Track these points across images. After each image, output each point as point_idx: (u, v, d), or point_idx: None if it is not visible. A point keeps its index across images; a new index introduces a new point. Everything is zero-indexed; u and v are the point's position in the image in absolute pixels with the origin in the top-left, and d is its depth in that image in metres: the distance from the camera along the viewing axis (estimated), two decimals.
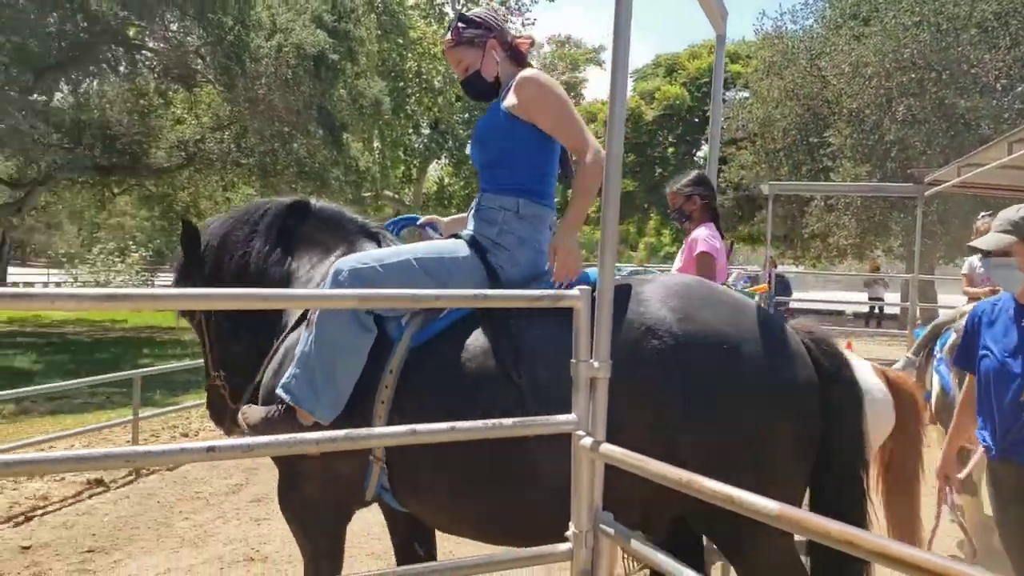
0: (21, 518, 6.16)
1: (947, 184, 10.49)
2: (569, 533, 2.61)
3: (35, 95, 17.06)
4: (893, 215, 15.37)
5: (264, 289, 3.00)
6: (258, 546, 5.85)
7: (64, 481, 7.01)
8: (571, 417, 2.63)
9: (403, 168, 38.74)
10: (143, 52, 19.57)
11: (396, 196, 40.49)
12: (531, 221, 3.38)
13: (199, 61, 18.87)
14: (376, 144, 34.25)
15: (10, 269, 41.56)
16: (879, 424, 3.82)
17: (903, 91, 14.74)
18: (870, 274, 18.93)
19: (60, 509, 6.40)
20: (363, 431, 2.35)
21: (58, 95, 19.57)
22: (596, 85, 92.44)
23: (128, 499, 6.69)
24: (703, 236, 4.61)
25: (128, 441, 8.49)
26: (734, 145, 20.03)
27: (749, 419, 2.78)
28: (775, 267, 18.91)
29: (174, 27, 18.41)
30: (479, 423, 2.52)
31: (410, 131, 36.96)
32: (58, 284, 37.72)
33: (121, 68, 18.50)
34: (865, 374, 4.00)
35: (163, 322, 24.66)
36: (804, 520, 1.82)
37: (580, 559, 2.60)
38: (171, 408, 9.63)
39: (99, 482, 7.04)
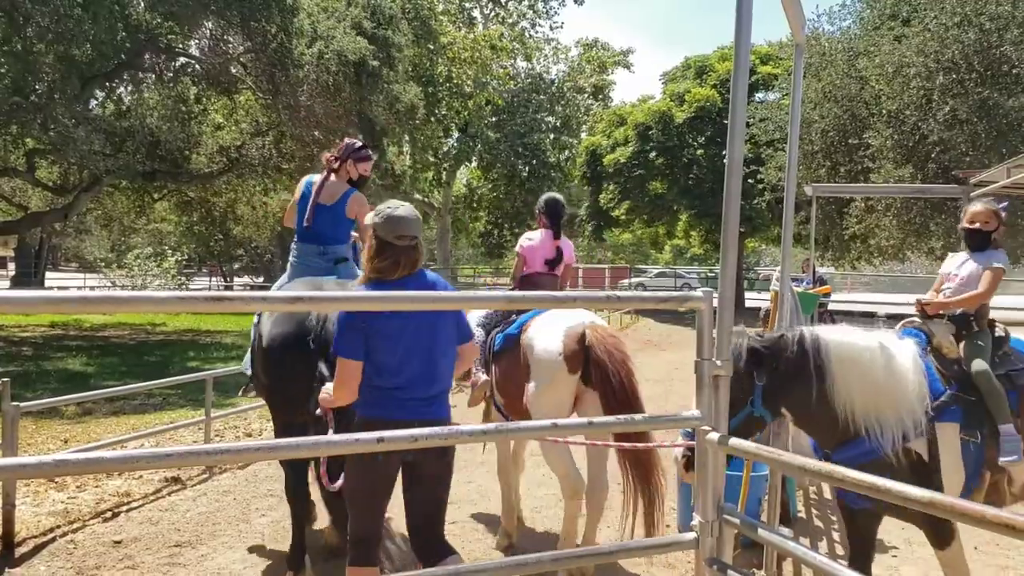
0: (109, 513, 6.38)
1: (995, 185, 10.49)
2: (695, 523, 2.76)
3: (92, 104, 17.41)
4: (934, 216, 15.37)
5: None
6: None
7: (143, 479, 7.24)
8: (695, 413, 2.78)
9: (433, 171, 39.01)
10: (186, 60, 19.91)
11: (426, 199, 40.76)
12: (296, 251, 5.79)
13: (241, 68, 19.16)
14: (406, 148, 34.55)
15: (46, 273, 42.24)
16: (539, 377, 4.93)
17: (945, 92, 14.74)
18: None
19: (143, 505, 6.61)
20: (511, 425, 2.51)
21: (94, 102, 19.92)
22: (624, 87, 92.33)
23: (206, 496, 6.90)
24: (520, 239, 6.17)
25: (196, 441, 8.71)
26: (771, 146, 20.04)
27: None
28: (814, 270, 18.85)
29: (217, 35, 18.71)
30: (611, 418, 2.68)
31: (440, 135, 37.24)
32: (93, 289, 38.32)
33: (165, 76, 18.82)
34: (536, 334, 5.13)
35: (201, 325, 25.03)
36: (956, 506, 1.95)
37: (706, 548, 2.75)
38: (233, 411, 9.85)
39: (176, 480, 7.26)
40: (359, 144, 5.83)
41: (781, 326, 5.15)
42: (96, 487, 6.98)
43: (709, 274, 55.65)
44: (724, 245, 2.80)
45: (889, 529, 6.34)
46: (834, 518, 6.65)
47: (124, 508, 6.53)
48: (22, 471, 1.97)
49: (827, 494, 7.22)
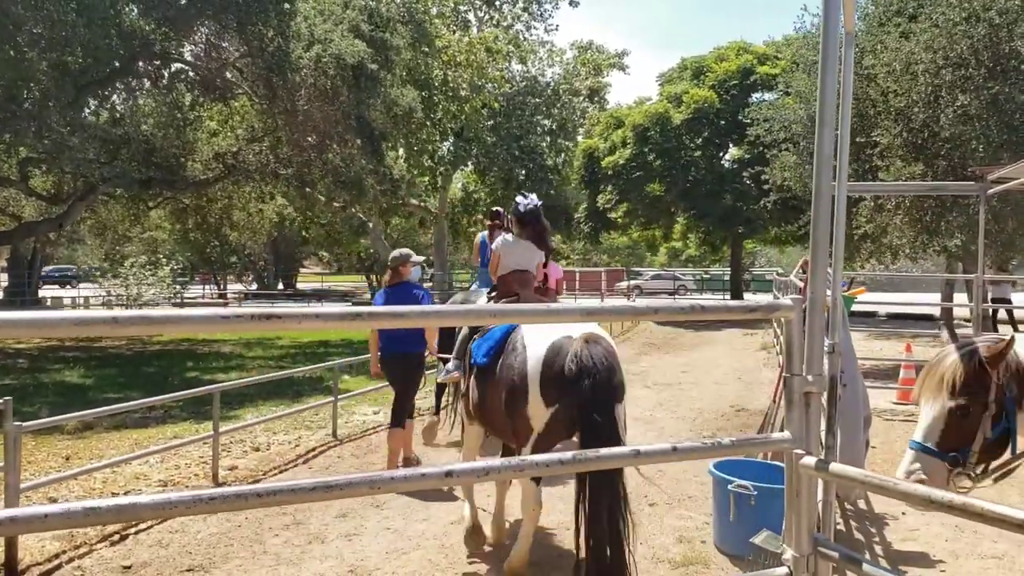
0: (116, 536, 6.08)
1: (1015, 182, 10.26)
2: (787, 557, 2.48)
3: (85, 112, 17.10)
4: (945, 215, 15.13)
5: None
6: (356, 563, 5.74)
7: None
8: (786, 435, 2.50)
9: (429, 176, 38.68)
10: (180, 66, 19.61)
11: (422, 203, 40.44)
12: (479, 273, 9.36)
13: (237, 74, 18.86)
14: (401, 152, 34.22)
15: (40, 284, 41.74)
16: None
17: (954, 87, 14.51)
18: (997, 275, 17.57)
19: (152, 527, 6.31)
20: (589, 453, 2.24)
21: (87, 110, 19.57)
22: (619, 89, 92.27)
23: (217, 516, 6.59)
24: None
25: (202, 456, 8.41)
26: (775, 147, 19.76)
27: None
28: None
29: (212, 40, 18.41)
30: (697, 442, 2.41)
31: (436, 138, 36.88)
32: (87, 299, 37.93)
33: (160, 82, 18.52)
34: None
35: (198, 335, 24.67)
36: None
37: None
38: (239, 425, 9.53)
39: None
40: (501, 210, 9.23)
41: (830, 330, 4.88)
42: None
43: (704, 276, 55.57)
44: (813, 244, 2.52)
45: (931, 542, 6.09)
46: (873, 530, 6.39)
47: (132, 530, 6.23)
48: (43, 523, 1.68)
49: (863, 505, 6.96)
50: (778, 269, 57.71)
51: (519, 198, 6.30)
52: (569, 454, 2.16)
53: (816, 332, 2.49)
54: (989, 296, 16.85)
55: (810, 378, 2.48)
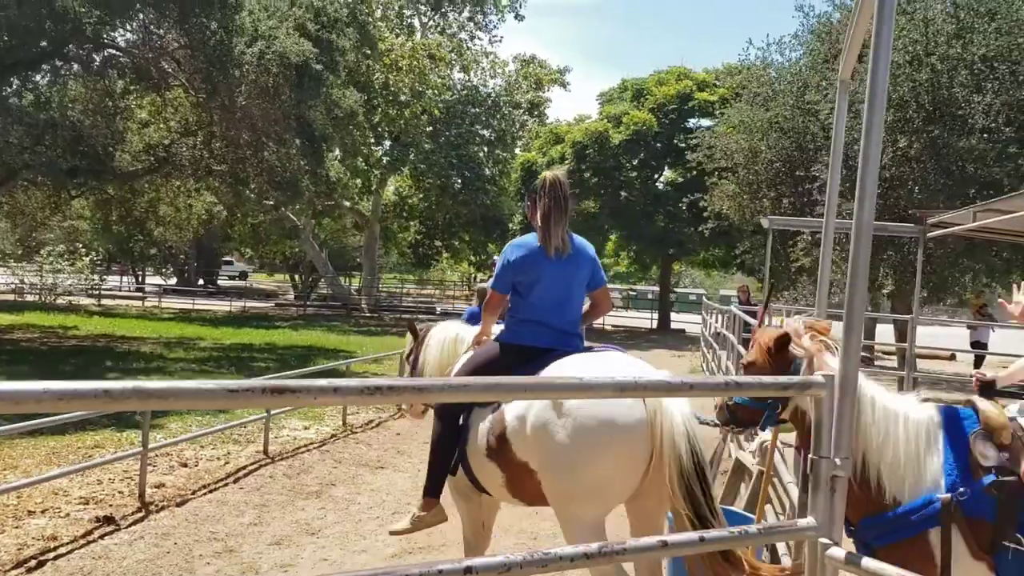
0: (33, 562, 5.63)
1: (959, 228, 10.47)
2: None
3: (6, 92, 16.28)
4: (879, 253, 15.41)
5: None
6: None
7: (71, 518, 6.49)
8: (810, 521, 2.34)
9: (362, 179, 38.15)
10: (113, 52, 18.87)
11: (355, 206, 39.87)
12: None
13: (174, 64, 18.24)
14: (337, 153, 33.66)
15: None
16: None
17: (893, 129, 14.82)
18: (976, 320, 17.07)
19: (72, 551, 5.88)
20: (615, 545, 2.04)
21: (7, 90, 18.65)
22: (559, 105, 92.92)
23: (143, 540, 6.20)
24: None
25: (126, 471, 7.95)
26: (715, 175, 19.95)
27: None
28: (748, 300, 18.72)
29: (151, 27, 17.76)
30: (724, 532, 2.23)
31: (371, 141, 36.39)
32: None
33: (92, 66, 17.76)
34: None
35: (116, 330, 23.71)
36: None
37: None
38: (166, 442, 9.08)
39: (109, 520, 6.51)
40: None
41: None
42: (17, 528, 6.21)
43: (631, 293, 56.02)
44: (848, 320, 2.37)
45: None
46: None
47: (51, 555, 5.79)
48: None
49: None
50: (702, 291, 58.66)
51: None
52: (595, 546, 1.96)
53: (846, 413, 2.34)
54: (969, 341, 16.88)
55: (838, 461, 2.32)
